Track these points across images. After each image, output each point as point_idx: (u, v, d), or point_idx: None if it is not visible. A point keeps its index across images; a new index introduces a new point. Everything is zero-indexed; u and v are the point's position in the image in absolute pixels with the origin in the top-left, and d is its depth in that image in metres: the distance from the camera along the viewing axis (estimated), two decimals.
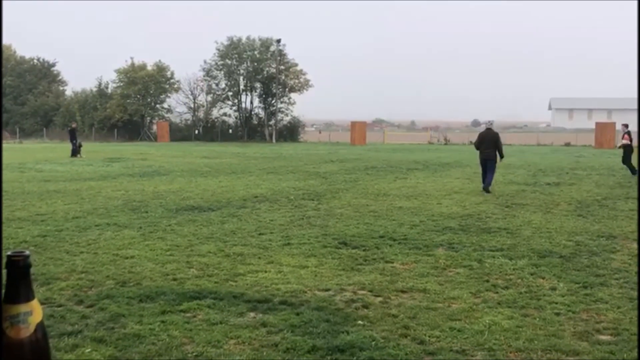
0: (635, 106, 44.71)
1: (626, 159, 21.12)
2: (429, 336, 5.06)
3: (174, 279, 6.84)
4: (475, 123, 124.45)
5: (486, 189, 15.72)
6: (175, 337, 4.98)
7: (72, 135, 32.63)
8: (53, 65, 73.98)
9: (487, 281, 6.84)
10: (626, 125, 21.78)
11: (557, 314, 5.66)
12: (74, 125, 35.52)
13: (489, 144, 16.44)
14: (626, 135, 21.30)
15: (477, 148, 16.90)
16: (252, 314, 5.61)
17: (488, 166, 16.23)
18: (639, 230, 10.21)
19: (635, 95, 20.43)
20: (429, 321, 5.42)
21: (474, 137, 18.27)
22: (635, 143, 21.93)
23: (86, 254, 8.14)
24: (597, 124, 48.84)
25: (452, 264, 7.69)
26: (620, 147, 22.17)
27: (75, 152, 31.28)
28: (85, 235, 9.42)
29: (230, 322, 5.35)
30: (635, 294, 6.28)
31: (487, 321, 5.41)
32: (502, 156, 16.66)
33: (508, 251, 8.41)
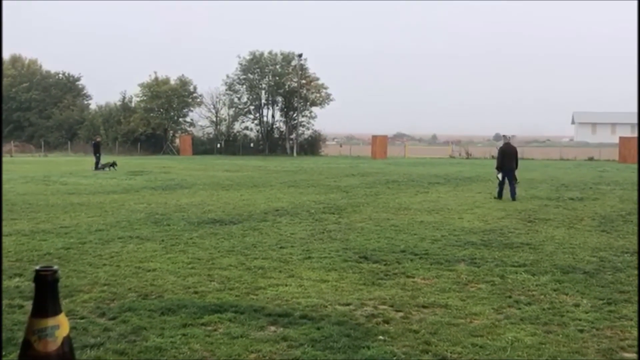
0: None
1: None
2: (451, 352, 5.02)
3: (195, 292, 6.87)
4: (497, 137, 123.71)
5: (515, 198, 17.13)
6: (196, 351, 5.00)
7: (96, 149, 33.02)
8: (78, 79, 74.97)
9: (510, 297, 6.79)
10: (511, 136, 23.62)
11: (581, 331, 5.60)
12: (98, 139, 35.95)
13: (511, 157, 18.13)
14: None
15: (502, 162, 18.16)
16: (272, 328, 5.62)
17: (510, 177, 17.75)
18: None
19: None
20: (451, 337, 5.38)
21: (497, 152, 18.89)
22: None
23: (109, 266, 8.21)
24: (620, 138, 48.33)
25: (474, 279, 7.64)
26: None
27: (98, 164, 31.60)
28: (108, 248, 9.51)
29: (251, 336, 5.36)
30: None
31: (510, 337, 5.37)
32: (517, 166, 18.36)
33: (531, 267, 8.34)
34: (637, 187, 21.68)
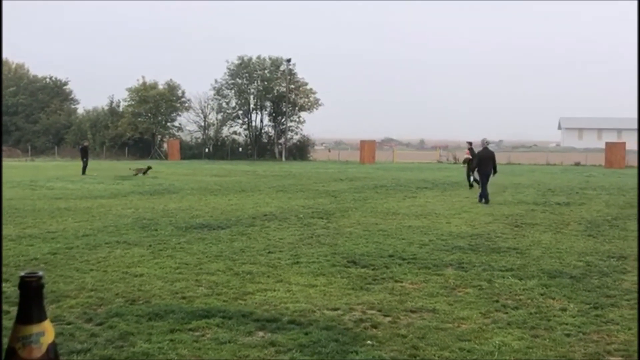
0: None
1: (468, 173, 23.46)
2: (439, 357, 5.03)
3: (183, 297, 6.85)
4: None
5: (487, 201, 17.59)
6: (184, 356, 4.98)
7: (84, 153, 32.86)
8: (65, 84, 74.57)
9: (497, 301, 6.81)
10: (470, 143, 23.94)
11: (568, 335, 5.62)
12: (85, 144, 35.78)
13: (488, 162, 18.54)
14: (467, 151, 23.62)
15: (479, 166, 18.82)
16: (260, 333, 5.61)
17: (486, 181, 18.21)
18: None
19: None
20: (439, 341, 5.39)
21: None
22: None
23: (96, 271, 8.17)
24: (607, 143, 48.69)
25: (462, 283, 7.66)
26: (463, 162, 24.88)
27: (85, 169, 31.43)
28: (95, 253, 9.45)
29: (239, 342, 5.35)
30: None
31: (497, 342, 5.39)
32: (495, 171, 18.65)
33: (518, 271, 8.37)
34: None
